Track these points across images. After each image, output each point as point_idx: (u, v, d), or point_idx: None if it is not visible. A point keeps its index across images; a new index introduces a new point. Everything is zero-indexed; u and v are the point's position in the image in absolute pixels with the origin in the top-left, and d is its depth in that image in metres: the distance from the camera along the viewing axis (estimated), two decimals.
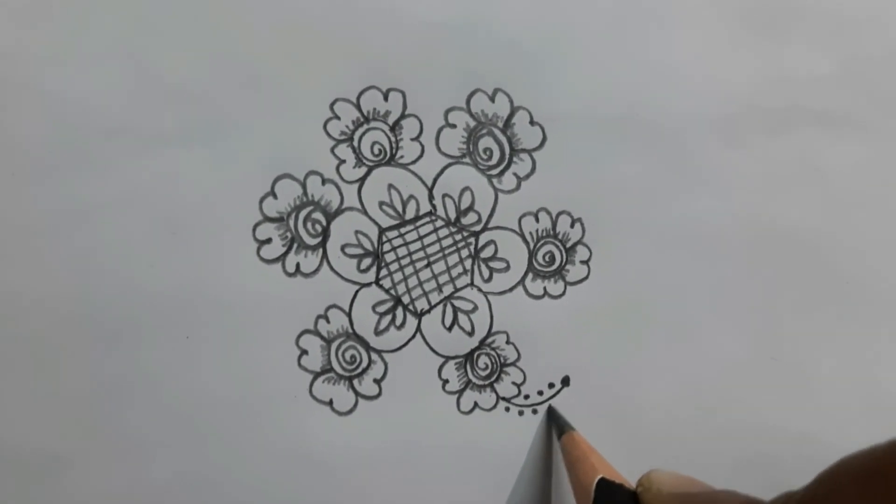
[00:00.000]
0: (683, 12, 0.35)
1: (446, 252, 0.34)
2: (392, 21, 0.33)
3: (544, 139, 0.34)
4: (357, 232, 0.33)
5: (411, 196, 0.34)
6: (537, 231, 0.34)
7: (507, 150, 0.34)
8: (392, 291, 0.34)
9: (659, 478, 0.26)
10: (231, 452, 0.33)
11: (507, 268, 0.34)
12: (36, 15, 0.31)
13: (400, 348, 0.34)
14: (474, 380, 0.34)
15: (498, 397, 0.34)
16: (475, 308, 0.34)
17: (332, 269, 0.33)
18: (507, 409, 0.34)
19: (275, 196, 0.33)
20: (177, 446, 0.32)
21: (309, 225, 0.33)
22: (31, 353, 0.32)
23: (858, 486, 0.16)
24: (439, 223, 0.34)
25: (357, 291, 0.33)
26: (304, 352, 0.33)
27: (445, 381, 0.34)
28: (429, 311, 0.34)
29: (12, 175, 0.31)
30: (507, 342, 0.34)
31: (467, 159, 0.34)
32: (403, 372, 0.34)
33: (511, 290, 0.34)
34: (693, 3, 0.35)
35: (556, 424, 0.33)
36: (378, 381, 0.34)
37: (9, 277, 0.31)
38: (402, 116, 0.33)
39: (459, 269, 0.34)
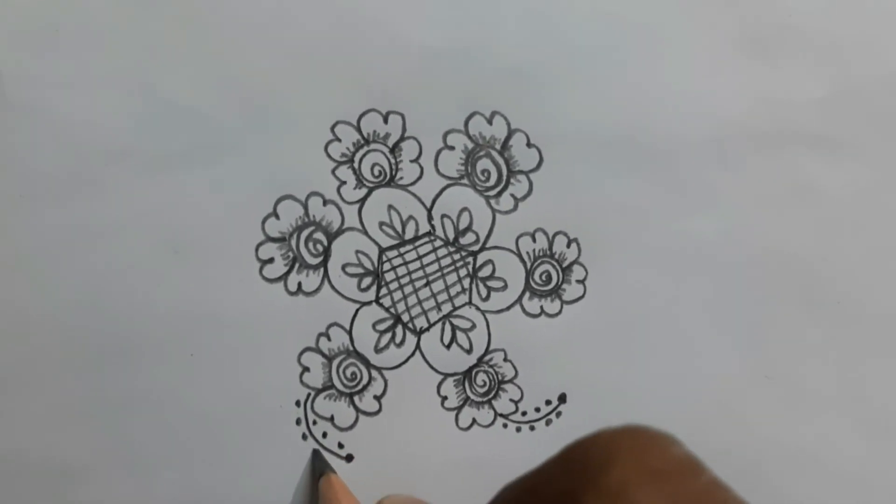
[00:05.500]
0: (678, 36, 0.35)
1: (445, 271, 0.34)
2: (392, 45, 0.33)
3: (541, 161, 0.35)
4: (358, 252, 0.34)
5: (411, 217, 0.34)
6: (534, 251, 0.35)
7: (505, 172, 0.35)
8: (392, 310, 0.34)
9: (392, 502, 0.26)
10: (234, 468, 0.33)
11: (505, 287, 0.35)
12: (42, 39, 0.32)
13: (400, 365, 0.34)
14: (473, 397, 0.35)
15: (496, 414, 0.35)
16: (473, 326, 0.35)
17: (333, 288, 0.34)
18: (505, 426, 0.35)
19: (277, 216, 0.33)
20: (180, 462, 0.33)
21: (310, 245, 0.34)
22: (37, 370, 0.32)
23: None
24: (438, 243, 0.34)
25: (358, 310, 0.34)
26: (305, 369, 0.34)
27: (444, 398, 0.34)
28: (428, 330, 0.34)
29: (20, 196, 0.32)
30: (505, 360, 0.35)
31: (465, 181, 0.34)
32: (403, 389, 0.34)
33: (508, 308, 0.35)
34: (687, 28, 0.35)
35: (316, 466, 0.33)
36: (378, 398, 0.34)
37: (16, 296, 0.32)
38: (402, 139, 0.34)
39: (458, 288, 0.35)
